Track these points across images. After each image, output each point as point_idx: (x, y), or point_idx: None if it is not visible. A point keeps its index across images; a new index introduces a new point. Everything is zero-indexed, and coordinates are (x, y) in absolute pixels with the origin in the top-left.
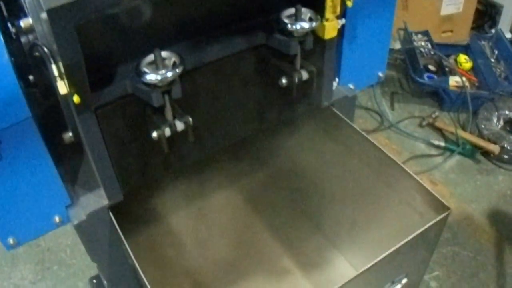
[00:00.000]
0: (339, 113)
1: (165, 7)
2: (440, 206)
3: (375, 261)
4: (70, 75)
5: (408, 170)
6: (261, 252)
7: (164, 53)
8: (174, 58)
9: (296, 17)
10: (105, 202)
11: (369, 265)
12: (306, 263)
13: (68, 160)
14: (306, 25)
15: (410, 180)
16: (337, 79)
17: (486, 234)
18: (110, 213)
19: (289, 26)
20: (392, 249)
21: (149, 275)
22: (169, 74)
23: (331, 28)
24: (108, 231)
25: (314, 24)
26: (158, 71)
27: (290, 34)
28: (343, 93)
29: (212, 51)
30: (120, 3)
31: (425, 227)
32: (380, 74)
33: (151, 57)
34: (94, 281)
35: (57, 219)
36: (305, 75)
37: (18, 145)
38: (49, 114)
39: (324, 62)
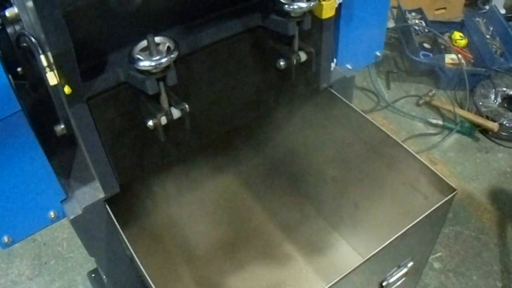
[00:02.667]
0: (338, 95)
1: None
2: (445, 187)
3: (382, 246)
4: (60, 65)
5: (411, 151)
6: (262, 238)
7: (157, 39)
8: (168, 43)
9: None
10: (101, 195)
11: (376, 251)
12: (308, 248)
13: (61, 153)
14: (304, 4)
15: (413, 160)
16: (335, 60)
17: (488, 212)
18: (107, 206)
19: (286, 6)
20: (398, 234)
21: (148, 266)
22: (164, 60)
23: (329, 8)
24: (105, 225)
25: (312, 3)
26: (152, 57)
27: (287, 14)
28: (341, 74)
29: (206, 35)
30: None
31: (432, 209)
32: (378, 53)
33: (144, 43)
34: (93, 275)
35: (52, 214)
36: (303, 56)
37: (8, 140)
38: (39, 107)
39: (322, 43)
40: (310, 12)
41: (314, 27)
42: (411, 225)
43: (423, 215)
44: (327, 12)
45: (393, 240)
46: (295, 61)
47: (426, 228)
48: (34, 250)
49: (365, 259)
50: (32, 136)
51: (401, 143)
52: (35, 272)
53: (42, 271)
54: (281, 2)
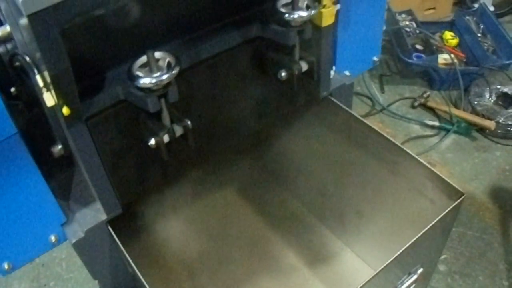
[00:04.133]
0: (338, 102)
1: (154, 5)
2: (452, 191)
3: (393, 257)
4: (57, 86)
5: (414, 155)
6: (265, 250)
7: (157, 54)
8: (168, 58)
9: (293, 6)
10: (103, 216)
11: (387, 262)
12: (313, 258)
13: (59, 175)
14: (304, 13)
15: (418, 165)
16: (333, 68)
17: (490, 211)
18: (109, 228)
19: (286, 15)
20: (410, 242)
21: (152, 284)
22: (165, 76)
23: (328, 15)
24: (109, 246)
25: (313, 11)
26: (152, 74)
27: (287, 24)
28: (341, 81)
29: (206, 48)
30: (106, 3)
31: (440, 216)
32: (375, 58)
33: (143, 59)
34: None
35: (53, 238)
36: (304, 66)
37: (5, 163)
38: (34, 127)
39: (322, 51)
40: (310, 20)
41: (314, 36)
42: (421, 233)
43: (433, 222)
44: (327, 19)
45: (403, 251)
46: (296, 72)
47: (436, 234)
48: (33, 272)
49: (377, 271)
50: (30, 159)
51: (404, 148)
52: None
53: None
54: (281, 11)
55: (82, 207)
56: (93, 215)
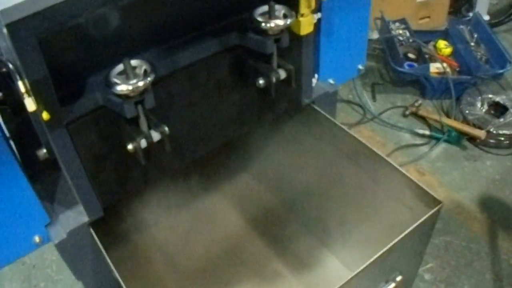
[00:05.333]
0: (321, 110)
1: (132, 14)
2: (430, 200)
3: (368, 262)
4: (36, 92)
5: (395, 164)
6: (249, 255)
7: (134, 62)
8: (144, 66)
9: (270, 15)
10: (85, 218)
11: (362, 267)
12: (297, 265)
13: (45, 177)
14: (280, 22)
15: (397, 174)
16: (316, 75)
17: (478, 221)
18: (91, 230)
19: (263, 24)
20: (385, 248)
21: None
22: (140, 83)
23: (306, 24)
24: (91, 248)
25: (289, 20)
26: (129, 81)
27: (264, 32)
28: (324, 89)
29: (184, 56)
30: (83, 13)
31: (417, 223)
32: (360, 66)
33: (121, 66)
34: None
35: (37, 239)
36: (283, 74)
37: None
38: (22, 131)
39: (302, 59)
40: (288, 29)
41: (293, 44)
42: (397, 239)
43: (409, 229)
44: (305, 28)
45: (379, 255)
46: (274, 79)
47: (413, 241)
48: (23, 273)
49: (352, 275)
50: (15, 162)
51: (385, 157)
52: None
53: None
54: (257, 20)
55: (66, 209)
56: (76, 217)
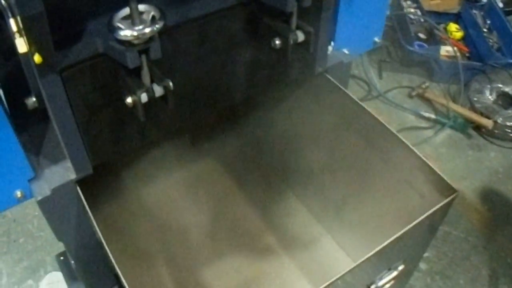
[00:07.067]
0: (334, 80)
1: None
2: (445, 187)
3: (375, 250)
4: (29, 30)
5: (409, 144)
6: (242, 227)
7: (141, 6)
8: (153, 12)
9: None
10: (72, 175)
11: (368, 255)
12: (291, 242)
13: (33, 128)
14: None
15: (411, 155)
16: (332, 43)
17: (478, 213)
18: (78, 188)
19: None
20: (395, 236)
21: (118, 253)
22: (147, 30)
23: None
24: (76, 208)
25: None
26: (134, 26)
27: None
28: (338, 59)
29: (196, 7)
30: None
31: (429, 212)
32: (377, 39)
33: (126, 10)
34: (62, 258)
35: (19, 194)
36: (301, 36)
37: None
38: (11, 77)
39: (321, 23)
40: None
41: (313, 6)
42: (407, 228)
43: (421, 218)
44: None
45: (387, 244)
46: (291, 41)
47: (421, 231)
48: (3, 227)
49: (356, 264)
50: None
51: (399, 136)
52: (3, 250)
53: (11, 248)
54: None
55: (52, 164)
56: (62, 173)
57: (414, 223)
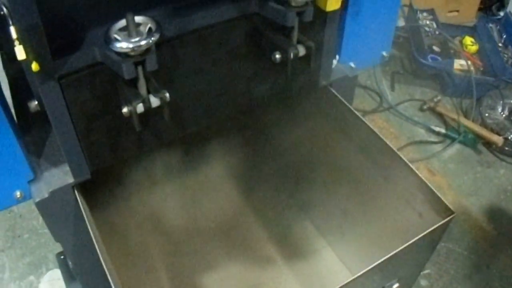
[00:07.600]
0: (337, 94)
1: None
2: (442, 208)
3: (372, 266)
4: (26, 40)
5: (408, 162)
6: (243, 236)
7: (138, 18)
8: (149, 24)
9: None
10: (70, 179)
11: (363, 271)
12: (291, 252)
13: (35, 131)
14: None
15: (410, 173)
16: (337, 57)
17: (483, 231)
18: (76, 192)
19: None
20: (391, 254)
21: (113, 264)
22: (143, 42)
23: (334, 0)
24: (73, 211)
25: None
26: (131, 38)
27: (287, 3)
28: (343, 73)
29: (196, 18)
30: None
31: (426, 232)
32: (385, 53)
33: (123, 22)
34: (62, 257)
35: (18, 194)
36: (302, 50)
37: None
38: (17, 79)
39: (324, 37)
40: (313, 2)
41: (317, 20)
42: (404, 246)
43: (418, 237)
44: (332, 4)
45: (383, 261)
46: (292, 55)
47: (418, 250)
48: (9, 221)
49: (354, 276)
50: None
51: (399, 154)
52: (7, 244)
53: (15, 243)
54: None
55: (52, 166)
56: (61, 176)
57: (410, 242)
